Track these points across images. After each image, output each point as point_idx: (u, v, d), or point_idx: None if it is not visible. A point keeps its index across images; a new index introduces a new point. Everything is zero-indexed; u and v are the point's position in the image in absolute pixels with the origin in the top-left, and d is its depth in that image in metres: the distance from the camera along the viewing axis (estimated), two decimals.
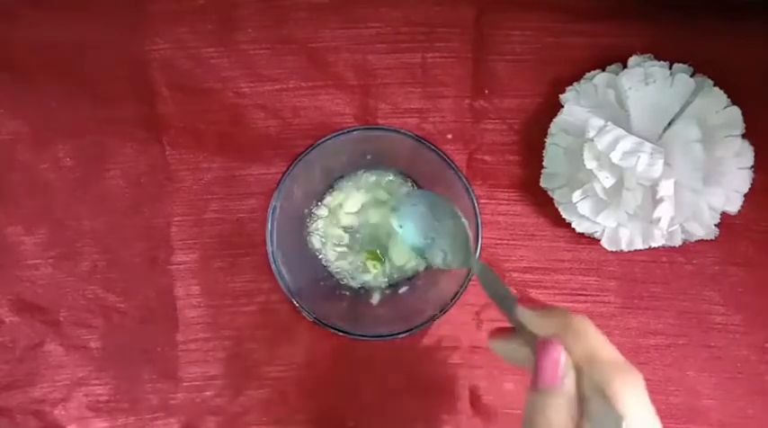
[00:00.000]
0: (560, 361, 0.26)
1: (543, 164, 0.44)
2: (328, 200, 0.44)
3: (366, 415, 0.46)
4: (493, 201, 0.46)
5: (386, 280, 0.44)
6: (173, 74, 0.45)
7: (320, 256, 0.45)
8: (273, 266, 0.38)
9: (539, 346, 0.27)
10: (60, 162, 0.46)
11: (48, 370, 0.46)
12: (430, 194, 0.41)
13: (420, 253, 0.40)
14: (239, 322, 0.46)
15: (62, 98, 0.46)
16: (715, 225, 0.41)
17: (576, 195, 0.42)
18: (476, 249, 0.38)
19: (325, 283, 0.44)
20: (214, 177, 0.46)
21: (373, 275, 0.44)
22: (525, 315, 0.29)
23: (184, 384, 0.46)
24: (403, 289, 0.44)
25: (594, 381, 0.25)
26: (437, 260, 0.39)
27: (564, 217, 0.43)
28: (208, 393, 0.46)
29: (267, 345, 0.46)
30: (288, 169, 0.38)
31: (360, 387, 0.46)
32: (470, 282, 0.38)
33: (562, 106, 0.43)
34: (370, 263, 0.44)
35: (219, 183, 0.46)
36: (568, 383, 0.26)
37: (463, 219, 0.36)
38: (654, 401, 0.47)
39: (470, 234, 0.36)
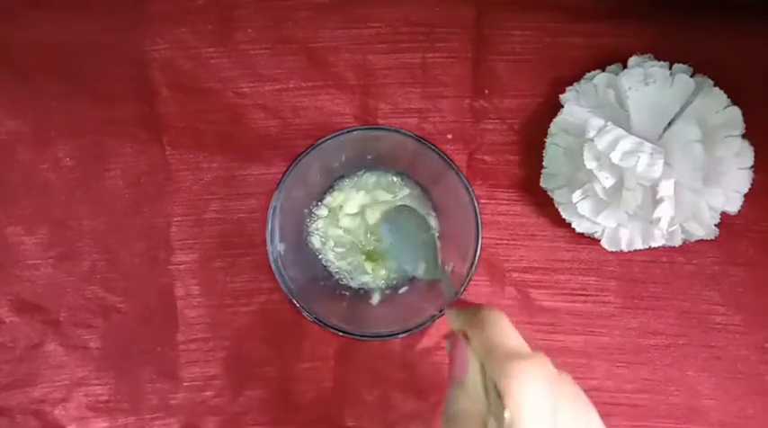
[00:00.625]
0: (462, 354, 0.27)
1: (543, 164, 0.44)
2: (328, 200, 0.44)
3: (366, 415, 0.46)
4: (493, 201, 0.46)
5: (384, 281, 0.44)
6: (173, 74, 0.45)
7: (320, 256, 0.45)
8: (273, 266, 0.38)
9: (449, 342, 0.28)
10: (60, 162, 0.46)
11: (48, 370, 0.46)
12: (403, 209, 0.42)
13: (401, 265, 0.42)
14: (239, 322, 0.46)
15: (62, 98, 0.46)
16: (715, 225, 0.41)
17: (576, 195, 0.42)
18: (476, 249, 0.38)
19: (326, 283, 0.44)
20: (214, 177, 0.46)
21: (372, 276, 0.44)
22: (448, 313, 0.30)
23: (184, 384, 0.46)
24: (403, 290, 0.44)
25: (490, 374, 0.25)
26: (419, 271, 0.40)
27: (564, 217, 0.43)
28: (208, 393, 0.46)
29: (267, 345, 0.46)
30: (288, 169, 0.38)
31: (360, 387, 0.46)
32: (470, 282, 0.38)
33: (562, 106, 0.43)
34: (367, 265, 0.44)
35: (219, 183, 0.46)
36: (472, 376, 0.27)
37: (433, 231, 0.40)
38: (654, 401, 0.47)
39: (438, 246, 0.39)
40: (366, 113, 0.46)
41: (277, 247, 0.39)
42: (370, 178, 0.44)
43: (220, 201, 0.46)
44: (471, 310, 0.28)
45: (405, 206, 0.43)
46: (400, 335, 0.38)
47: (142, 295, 0.46)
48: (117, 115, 0.46)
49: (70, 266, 0.46)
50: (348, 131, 0.38)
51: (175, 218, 0.46)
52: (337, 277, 0.45)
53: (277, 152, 0.46)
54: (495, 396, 0.25)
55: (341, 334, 0.38)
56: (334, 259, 0.45)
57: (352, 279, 0.45)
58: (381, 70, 0.46)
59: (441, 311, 0.38)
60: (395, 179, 0.45)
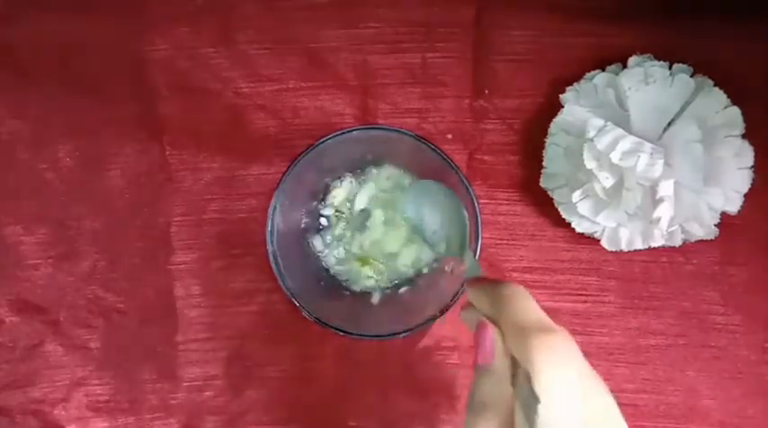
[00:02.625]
0: (489, 338, 0.26)
1: (543, 164, 0.44)
2: (332, 199, 0.44)
3: (366, 415, 0.46)
4: (493, 201, 0.46)
5: (386, 284, 0.44)
6: (173, 74, 0.45)
7: (321, 258, 0.45)
8: (274, 266, 0.38)
9: (465, 314, 0.28)
10: (60, 162, 0.46)
11: (48, 370, 0.46)
12: (433, 184, 0.40)
13: (427, 240, 0.40)
14: (239, 322, 0.46)
15: (62, 98, 0.46)
16: (715, 225, 0.41)
17: (576, 195, 0.42)
18: (475, 249, 0.38)
19: (326, 283, 0.44)
20: (214, 177, 0.46)
21: (375, 280, 0.44)
22: (469, 292, 0.30)
23: (184, 384, 0.46)
24: (403, 289, 0.44)
25: (516, 353, 0.25)
26: (440, 248, 0.39)
27: (564, 217, 0.43)
28: (208, 393, 0.46)
29: (267, 345, 0.46)
30: (288, 169, 0.38)
31: (360, 387, 0.46)
32: None
33: (562, 106, 0.43)
34: (366, 270, 0.44)
35: (219, 183, 0.46)
36: (498, 362, 0.26)
37: (463, 211, 0.36)
38: (654, 401, 0.47)
39: (468, 226, 0.36)
40: (366, 113, 0.46)
41: (277, 247, 0.39)
42: (372, 172, 0.44)
43: (220, 201, 0.46)
44: (493, 286, 0.27)
45: (432, 181, 0.40)
46: (400, 335, 0.38)
47: (142, 295, 0.46)
48: (117, 115, 0.46)
49: (70, 266, 0.46)
50: (348, 131, 0.38)
51: (175, 218, 0.46)
52: (339, 279, 0.45)
53: (277, 152, 0.46)
54: (524, 378, 0.24)
55: (341, 333, 0.38)
56: (335, 263, 0.45)
57: (354, 283, 0.45)
58: (381, 70, 0.46)
59: (441, 311, 0.38)
60: (399, 171, 0.44)
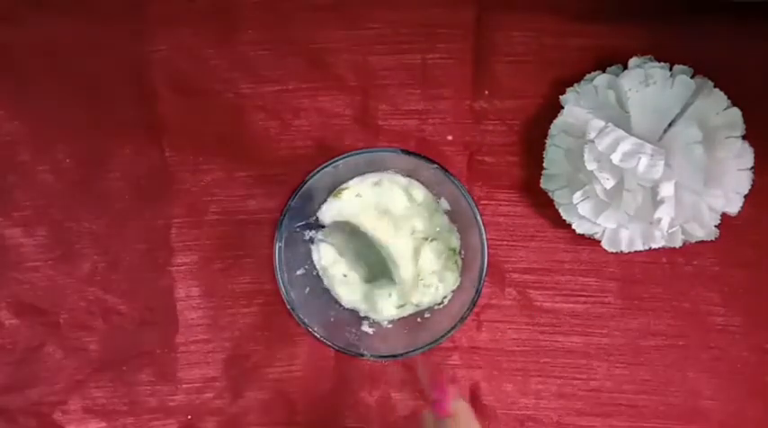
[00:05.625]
0: (450, 391, 0.32)
1: (544, 165, 0.44)
2: (328, 213, 0.44)
3: (366, 416, 0.46)
4: (493, 202, 0.46)
5: (412, 310, 0.44)
6: (173, 75, 0.45)
7: (331, 292, 0.45)
8: (283, 293, 0.39)
9: (434, 384, 0.33)
10: (60, 163, 0.46)
11: (47, 373, 0.46)
12: None
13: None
14: (239, 323, 0.46)
15: (62, 99, 0.46)
16: (715, 226, 0.41)
17: (577, 196, 0.42)
18: (482, 254, 0.38)
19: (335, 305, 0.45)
20: (214, 178, 0.46)
21: (396, 308, 0.44)
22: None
23: (184, 386, 0.46)
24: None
25: None
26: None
27: (564, 218, 0.43)
28: (207, 394, 0.46)
29: (267, 347, 0.46)
30: (290, 198, 0.39)
31: (360, 387, 0.46)
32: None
33: (562, 107, 0.43)
34: (381, 293, 0.43)
35: (219, 185, 0.46)
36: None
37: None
38: (653, 402, 0.47)
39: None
40: (366, 115, 0.46)
41: (290, 294, 0.40)
42: (369, 183, 0.44)
43: (220, 203, 0.46)
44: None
45: None
46: (413, 353, 0.39)
47: (142, 297, 0.46)
48: (117, 116, 0.46)
49: (70, 268, 0.46)
50: (348, 156, 0.38)
51: (175, 220, 0.46)
52: (359, 314, 0.44)
53: (277, 153, 0.46)
54: None
55: (351, 355, 0.39)
56: (345, 294, 0.44)
57: (375, 312, 0.44)
58: (381, 71, 0.46)
59: (453, 327, 0.39)
60: (402, 180, 0.44)
